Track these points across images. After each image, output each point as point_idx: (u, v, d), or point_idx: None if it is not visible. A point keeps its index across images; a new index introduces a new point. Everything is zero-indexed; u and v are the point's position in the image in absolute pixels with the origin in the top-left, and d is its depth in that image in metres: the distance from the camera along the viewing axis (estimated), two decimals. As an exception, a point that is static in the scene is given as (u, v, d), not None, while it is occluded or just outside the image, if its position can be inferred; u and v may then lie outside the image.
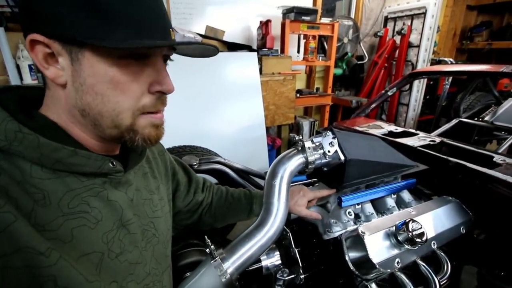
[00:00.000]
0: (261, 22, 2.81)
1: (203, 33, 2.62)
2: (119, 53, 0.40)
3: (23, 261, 0.34)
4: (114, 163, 0.48)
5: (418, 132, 1.42)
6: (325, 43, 3.39)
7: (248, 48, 2.73)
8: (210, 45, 0.48)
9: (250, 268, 0.78)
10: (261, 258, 0.81)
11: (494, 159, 1.04)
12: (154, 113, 0.47)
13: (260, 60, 2.55)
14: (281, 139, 3.03)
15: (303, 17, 2.81)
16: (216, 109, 2.33)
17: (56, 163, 0.40)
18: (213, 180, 1.33)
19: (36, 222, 0.37)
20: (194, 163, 1.19)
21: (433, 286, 0.74)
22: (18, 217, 0.35)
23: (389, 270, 0.70)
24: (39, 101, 0.47)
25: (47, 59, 0.40)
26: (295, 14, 2.76)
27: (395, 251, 0.73)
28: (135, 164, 0.55)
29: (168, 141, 1.09)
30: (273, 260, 0.82)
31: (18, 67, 1.81)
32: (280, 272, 0.81)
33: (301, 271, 0.77)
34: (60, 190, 0.41)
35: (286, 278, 0.80)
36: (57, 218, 0.39)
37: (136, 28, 0.40)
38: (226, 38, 2.70)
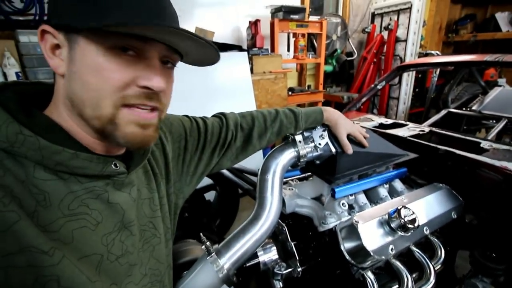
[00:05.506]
0: (250, 22, 2.82)
1: (192, 35, 2.61)
2: (110, 43, 0.40)
3: (27, 261, 0.34)
4: (118, 164, 0.47)
5: (407, 123, 1.44)
6: (314, 41, 3.41)
7: (238, 48, 2.73)
8: (209, 42, 0.44)
9: (247, 264, 0.78)
10: (258, 254, 0.81)
11: (481, 145, 1.07)
12: (139, 108, 0.44)
13: (250, 60, 2.55)
14: (275, 138, 3.03)
15: (291, 16, 2.83)
16: (209, 110, 2.27)
17: (58, 165, 0.40)
18: (208, 180, 1.34)
19: (39, 223, 0.37)
20: (187, 164, 1.18)
21: (428, 271, 0.76)
22: (22, 216, 0.35)
23: (383, 257, 0.71)
24: (37, 96, 0.46)
25: (53, 50, 0.43)
26: (283, 13, 2.78)
27: (389, 238, 0.74)
28: (138, 164, 0.53)
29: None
30: (271, 255, 0.82)
31: (4, 75, 1.78)
32: (277, 266, 0.81)
33: (298, 264, 0.78)
34: (61, 191, 0.40)
35: (284, 272, 0.80)
36: (58, 220, 0.39)
37: (129, 15, 0.39)
38: (215, 39, 2.70)
